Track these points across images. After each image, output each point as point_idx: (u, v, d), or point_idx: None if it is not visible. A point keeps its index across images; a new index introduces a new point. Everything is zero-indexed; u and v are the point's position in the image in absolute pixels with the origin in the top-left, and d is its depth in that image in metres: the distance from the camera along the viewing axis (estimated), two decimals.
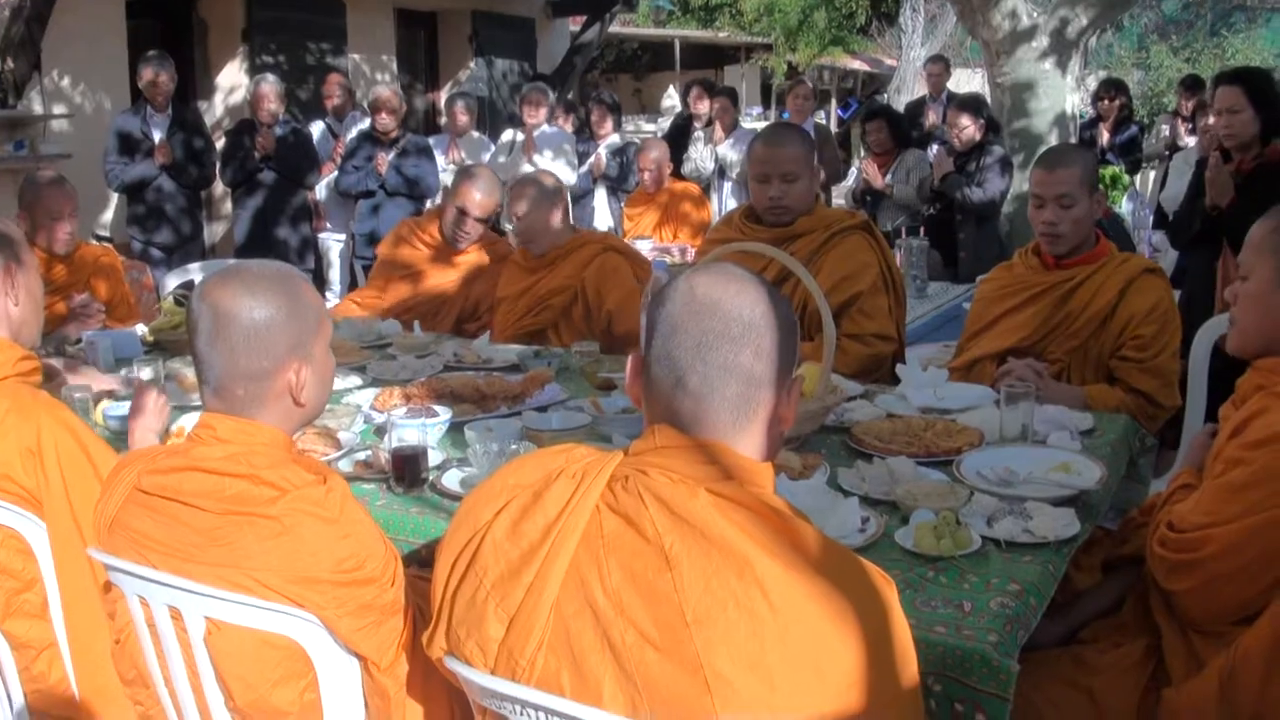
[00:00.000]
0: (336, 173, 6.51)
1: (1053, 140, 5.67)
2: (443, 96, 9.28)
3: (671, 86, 14.92)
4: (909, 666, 1.26)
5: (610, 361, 3.17)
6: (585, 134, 7.88)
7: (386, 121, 6.30)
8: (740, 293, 1.34)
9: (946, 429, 2.51)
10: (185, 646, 1.57)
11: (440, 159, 6.88)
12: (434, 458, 2.33)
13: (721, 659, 1.17)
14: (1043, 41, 5.56)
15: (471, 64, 9.10)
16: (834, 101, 18.01)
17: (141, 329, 3.52)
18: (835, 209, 3.56)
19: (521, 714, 1.27)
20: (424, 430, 2.35)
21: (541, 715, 1.25)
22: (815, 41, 17.63)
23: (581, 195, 7.35)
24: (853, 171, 7.57)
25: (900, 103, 16.86)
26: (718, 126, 7.67)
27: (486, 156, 7.31)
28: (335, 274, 6.82)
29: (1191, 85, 7.90)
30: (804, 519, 1.30)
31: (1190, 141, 7.78)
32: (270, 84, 6.11)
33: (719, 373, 1.31)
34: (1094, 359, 2.94)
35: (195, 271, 4.61)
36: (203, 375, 1.65)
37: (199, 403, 2.78)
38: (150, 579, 1.55)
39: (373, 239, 6.35)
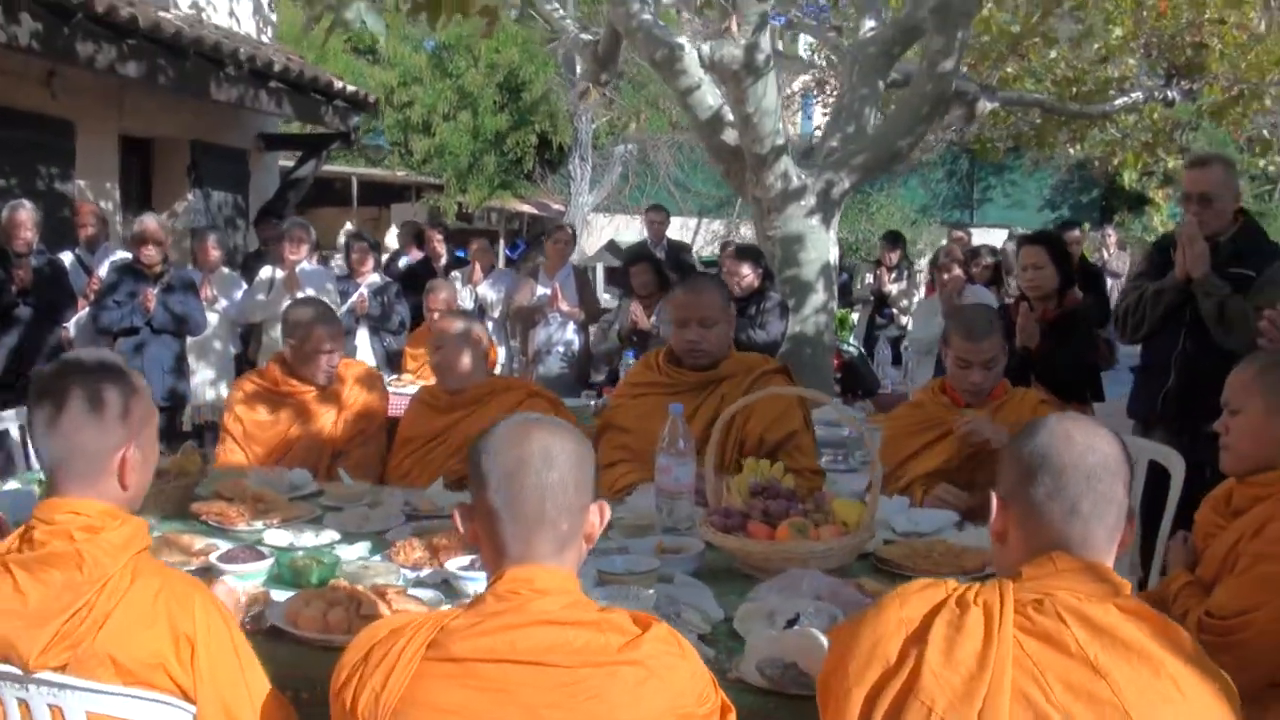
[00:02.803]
0: (89, 309, 5.97)
1: (820, 287, 6.30)
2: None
3: (349, 223, 14.75)
4: None
5: None
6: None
7: (153, 254, 5.89)
8: (1105, 435, 1.57)
9: (948, 549, 2.79)
10: None
11: None
12: None
13: None
14: (810, 200, 6.21)
15: (190, 195, 8.67)
16: (502, 241, 18.56)
17: (35, 488, 3.11)
18: (750, 354, 3.83)
19: None
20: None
21: None
22: (485, 184, 18.22)
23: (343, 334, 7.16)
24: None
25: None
26: (476, 267, 7.80)
27: (239, 293, 6.98)
28: None
29: (892, 239, 9.08)
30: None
31: (894, 289, 8.90)
32: (27, 211, 5.55)
33: (1104, 502, 1.52)
34: None
35: (10, 420, 4.05)
36: (526, 516, 1.59)
37: (199, 563, 2.57)
38: None
39: None
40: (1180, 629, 1.50)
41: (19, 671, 1.74)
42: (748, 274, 6.26)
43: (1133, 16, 7.46)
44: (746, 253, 6.35)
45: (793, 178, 6.18)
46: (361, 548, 2.83)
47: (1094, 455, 1.54)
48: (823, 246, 6.34)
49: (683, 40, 6.04)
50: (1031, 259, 4.53)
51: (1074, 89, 8.57)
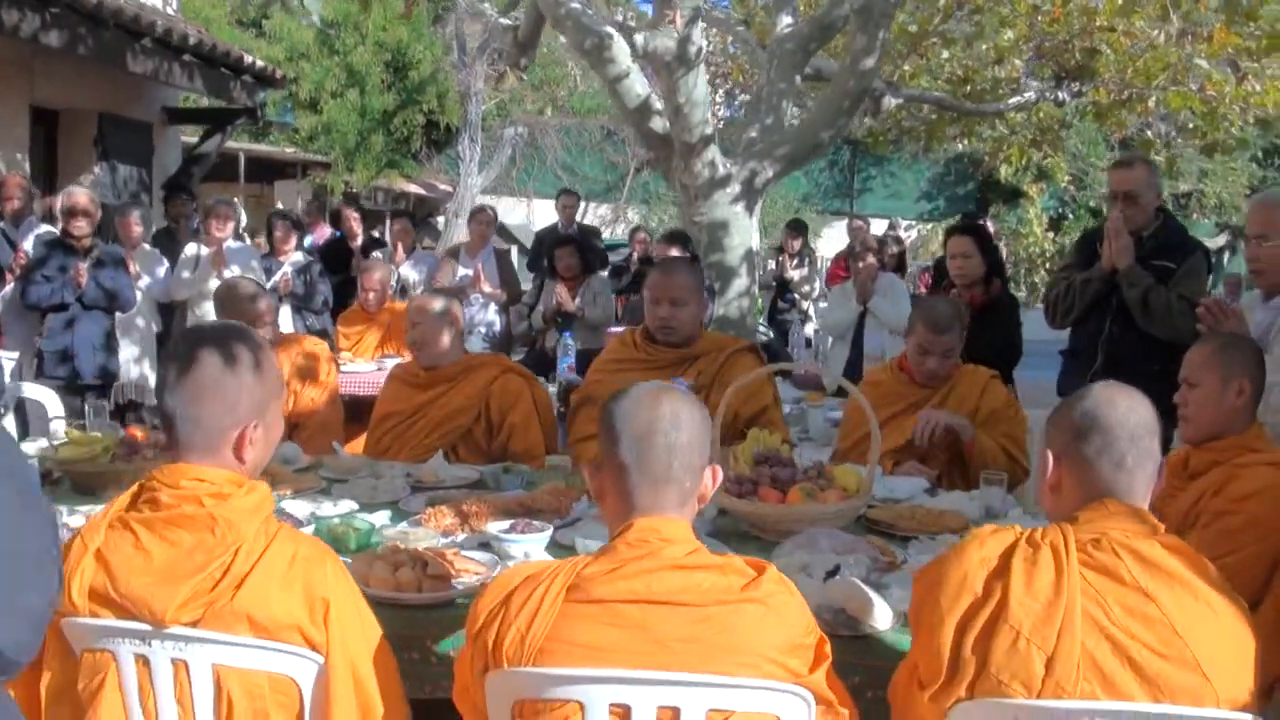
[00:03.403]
0: (15, 283, 5.83)
1: (743, 272, 6.58)
2: (59, 200, 8.47)
3: (237, 199, 14.45)
4: None
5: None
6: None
7: (84, 227, 5.79)
8: (1141, 399, 1.84)
9: (927, 513, 3.07)
10: None
11: None
12: None
13: (1207, 657, 1.67)
14: (735, 188, 6.48)
15: (96, 168, 8.44)
16: (389, 221, 18.39)
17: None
18: (721, 334, 4.06)
19: None
20: (538, 543, 2.56)
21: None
22: (372, 163, 18.00)
23: None
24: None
25: (459, 225, 17.71)
26: (399, 248, 7.84)
27: (161, 271, 6.88)
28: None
29: (795, 227, 9.45)
30: None
31: (796, 275, 9.26)
32: None
33: (1145, 456, 1.80)
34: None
35: None
36: (655, 473, 1.76)
37: None
38: (648, 680, 1.64)
39: (65, 356, 5.77)
40: (1207, 561, 1.78)
41: (145, 627, 1.81)
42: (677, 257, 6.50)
43: (1027, 21, 7.94)
44: (675, 237, 6.59)
45: (719, 166, 6.44)
46: (383, 516, 2.95)
47: (1135, 416, 1.81)
48: (746, 233, 6.62)
49: (611, 29, 6.23)
50: (960, 248, 4.87)
51: (967, 87, 9.06)
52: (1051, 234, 17.67)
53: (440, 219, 18.15)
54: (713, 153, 6.43)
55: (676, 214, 20.11)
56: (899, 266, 7.59)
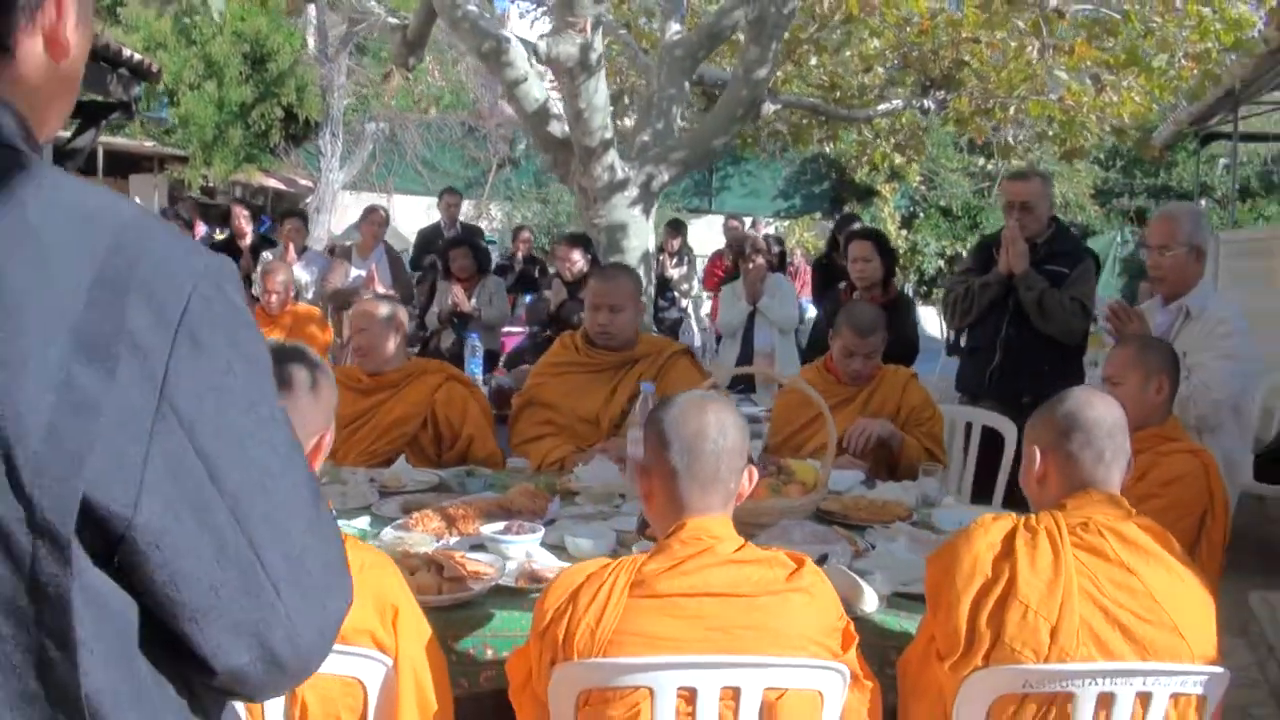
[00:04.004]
0: None
1: (641, 273, 6.77)
2: None
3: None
4: None
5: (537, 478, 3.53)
6: None
7: None
8: (1113, 402, 2.13)
9: (870, 503, 3.33)
10: None
11: None
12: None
13: (1182, 620, 1.96)
14: (633, 191, 6.67)
15: None
16: None
17: None
18: (657, 336, 4.24)
19: (1089, 683, 1.89)
20: (534, 543, 2.71)
21: (1103, 680, 1.89)
22: (230, 157, 17.46)
23: None
24: None
25: (321, 221, 17.39)
26: (289, 248, 7.75)
27: None
28: None
29: (674, 227, 9.70)
30: None
31: (676, 274, 9.52)
32: None
33: (1120, 451, 2.08)
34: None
35: None
36: (704, 477, 1.93)
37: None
38: (718, 664, 1.81)
39: None
40: (1172, 538, 2.07)
41: None
42: (578, 260, 6.66)
43: (895, 32, 8.38)
44: (577, 240, 6.75)
45: (618, 170, 6.61)
46: (362, 522, 3.03)
47: (1110, 417, 2.09)
48: (643, 235, 6.82)
49: (508, 33, 6.34)
50: (861, 252, 5.19)
51: (836, 93, 9.48)
52: (904, 231, 18.49)
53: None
54: (612, 157, 6.59)
55: (541, 210, 20.27)
56: (780, 266, 7.91)
